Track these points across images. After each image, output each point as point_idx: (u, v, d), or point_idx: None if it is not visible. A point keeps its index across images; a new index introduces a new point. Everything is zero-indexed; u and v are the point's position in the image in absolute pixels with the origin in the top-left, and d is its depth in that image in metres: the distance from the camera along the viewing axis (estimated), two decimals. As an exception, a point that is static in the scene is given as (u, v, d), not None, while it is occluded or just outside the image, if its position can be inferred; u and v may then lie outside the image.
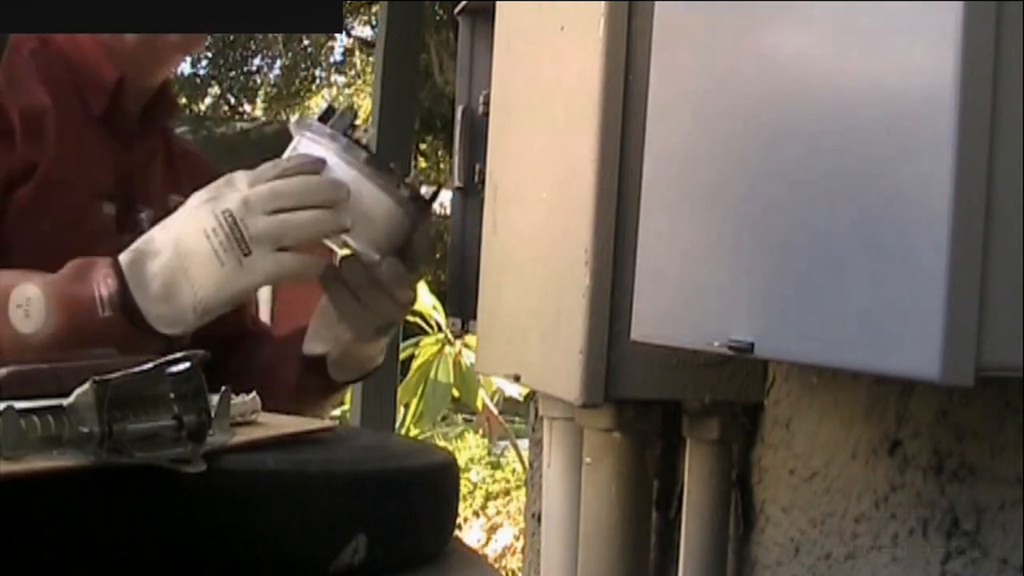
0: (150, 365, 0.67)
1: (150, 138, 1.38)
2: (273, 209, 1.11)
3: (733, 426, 1.20)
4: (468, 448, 7.06)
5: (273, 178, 1.13)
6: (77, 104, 1.29)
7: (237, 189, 1.13)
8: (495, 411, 5.31)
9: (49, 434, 0.62)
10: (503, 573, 5.21)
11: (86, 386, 0.63)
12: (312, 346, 1.28)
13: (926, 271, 0.63)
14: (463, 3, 1.53)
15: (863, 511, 1.05)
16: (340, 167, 1.13)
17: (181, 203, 1.18)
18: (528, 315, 1.22)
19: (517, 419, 6.39)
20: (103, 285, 1.09)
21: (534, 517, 1.64)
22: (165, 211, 1.20)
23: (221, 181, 1.16)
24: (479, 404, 5.64)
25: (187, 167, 1.43)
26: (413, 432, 5.52)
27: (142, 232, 1.18)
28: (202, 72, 18.68)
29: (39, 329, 1.07)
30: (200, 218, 1.11)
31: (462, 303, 1.49)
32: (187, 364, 0.69)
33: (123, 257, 1.11)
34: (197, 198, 1.14)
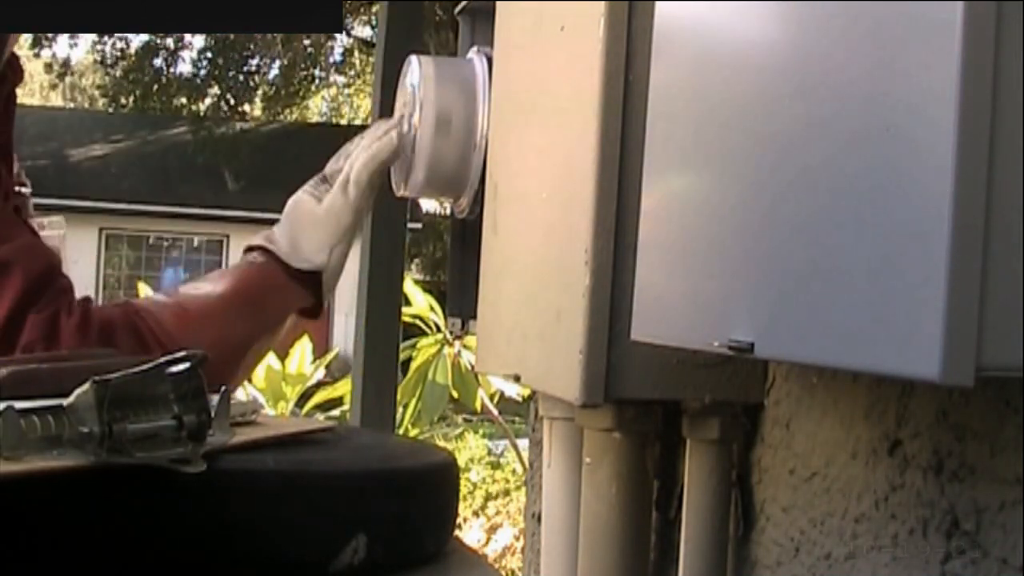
0: (150, 365, 0.68)
1: None
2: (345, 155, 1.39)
3: (733, 426, 1.20)
4: (468, 448, 7.07)
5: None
6: None
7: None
8: (495, 411, 5.31)
9: (49, 434, 0.62)
10: (503, 573, 5.21)
11: (86, 386, 0.63)
12: None
13: (926, 271, 0.63)
14: (463, 3, 1.53)
15: (863, 511, 1.05)
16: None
17: None
18: (528, 315, 1.22)
19: (517, 419, 6.39)
20: (254, 255, 1.34)
21: (534, 517, 1.64)
22: None
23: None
24: (478, 405, 5.64)
25: None
26: (412, 432, 5.52)
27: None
28: (202, 73, 18.70)
29: (214, 291, 1.28)
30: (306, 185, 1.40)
31: (462, 303, 1.49)
32: (187, 364, 0.69)
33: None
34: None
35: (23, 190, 1.34)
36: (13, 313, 1.14)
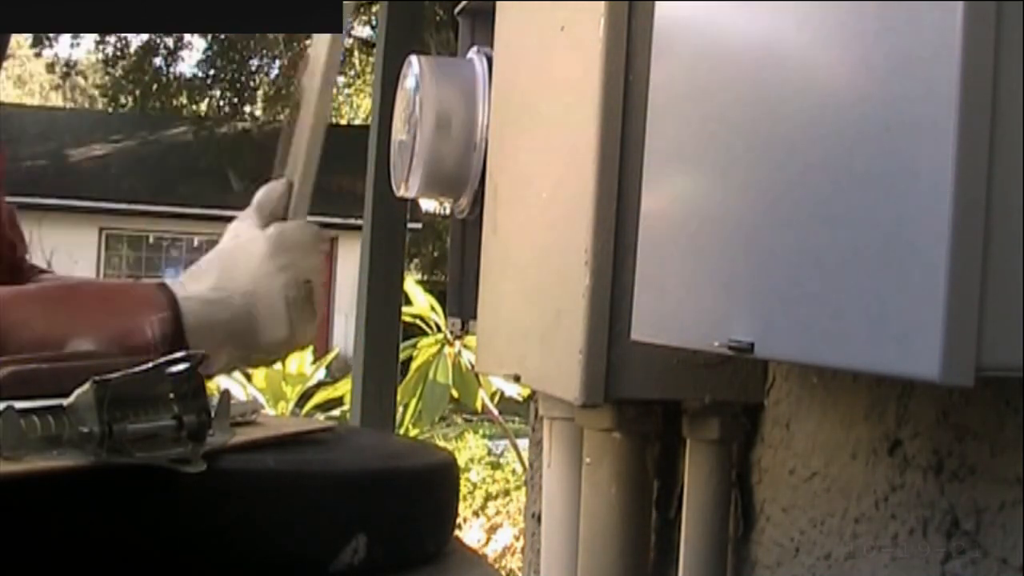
0: (150, 365, 0.67)
1: None
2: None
3: (733, 426, 1.20)
4: (468, 448, 7.07)
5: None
6: None
7: (315, 254, 1.20)
8: (495, 411, 5.32)
9: (49, 434, 0.62)
10: (503, 573, 5.21)
11: (86, 386, 0.63)
12: None
13: (926, 271, 0.63)
14: (463, 3, 1.53)
15: (863, 511, 1.05)
16: None
17: None
18: (528, 315, 1.22)
19: (517, 419, 6.39)
20: (158, 335, 1.11)
21: (534, 517, 1.64)
22: None
23: (293, 232, 1.23)
24: (478, 404, 5.64)
25: None
26: (413, 432, 5.52)
27: None
28: (202, 73, 18.69)
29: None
30: (282, 285, 1.17)
31: (462, 303, 1.49)
32: (187, 364, 0.69)
33: (187, 304, 1.13)
34: (268, 250, 1.19)
35: None
36: None
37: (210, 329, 1.14)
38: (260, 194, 1.25)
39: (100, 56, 18.89)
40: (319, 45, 1.26)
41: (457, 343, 5.20)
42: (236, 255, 1.21)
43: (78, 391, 0.63)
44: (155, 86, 18.62)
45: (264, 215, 1.25)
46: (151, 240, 17.27)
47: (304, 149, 1.27)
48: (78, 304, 1.12)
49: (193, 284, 1.18)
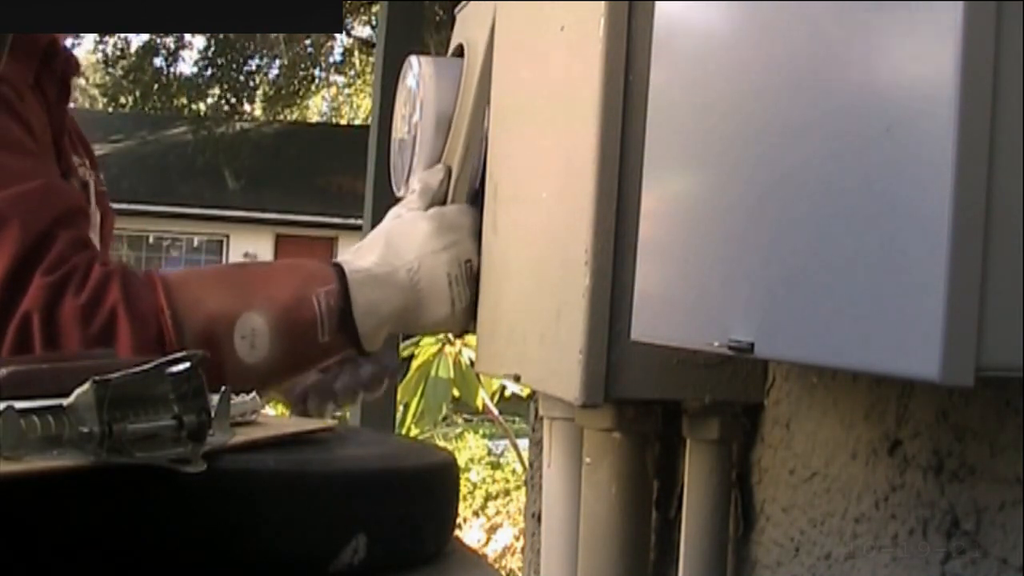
0: (150, 365, 0.67)
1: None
2: None
3: (733, 426, 1.20)
4: (468, 448, 7.07)
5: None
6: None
7: (474, 236, 1.30)
8: (495, 411, 5.31)
9: (49, 434, 0.62)
10: (503, 573, 5.21)
11: (86, 386, 0.63)
12: None
13: (926, 271, 0.63)
14: (463, 3, 1.53)
15: (863, 511, 1.05)
16: None
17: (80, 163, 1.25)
18: (528, 315, 1.22)
19: (517, 419, 6.40)
20: (325, 308, 1.17)
21: (534, 517, 1.64)
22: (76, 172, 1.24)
23: (455, 214, 1.29)
24: (479, 404, 5.64)
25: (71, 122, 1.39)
26: (413, 432, 5.52)
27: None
28: (202, 73, 18.70)
29: (263, 360, 1.12)
30: (445, 262, 1.26)
31: (462, 303, 1.49)
32: (187, 364, 0.69)
33: (355, 277, 1.19)
34: (432, 228, 1.27)
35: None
36: (13, 274, 1.02)
37: (377, 303, 1.20)
38: (420, 179, 1.31)
39: (99, 56, 18.89)
40: (477, 42, 1.32)
41: (457, 342, 5.19)
42: (400, 233, 1.28)
43: (78, 391, 0.63)
44: (155, 86, 18.63)
45: (425, 199, 1.31)
46: (151, 240, 17.27)
47: (463, 136, 1.31)
48: (248, 280, 1.16)
49: (358, 261, 1.23)
